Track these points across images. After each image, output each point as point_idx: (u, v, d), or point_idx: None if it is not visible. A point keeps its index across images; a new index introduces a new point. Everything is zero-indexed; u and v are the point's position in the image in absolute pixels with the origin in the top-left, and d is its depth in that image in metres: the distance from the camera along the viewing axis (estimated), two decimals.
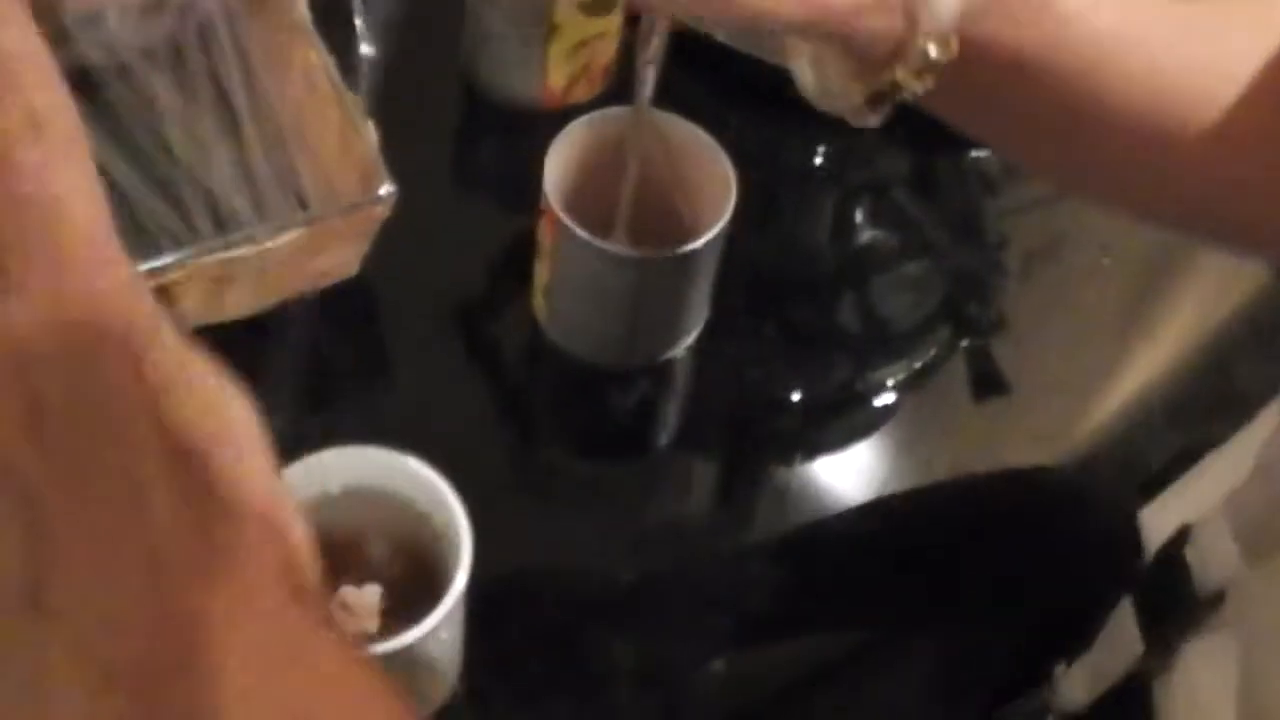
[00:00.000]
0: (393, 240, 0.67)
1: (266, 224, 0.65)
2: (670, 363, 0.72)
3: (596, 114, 0.66)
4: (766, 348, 0.74)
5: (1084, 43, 0.48)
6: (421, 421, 0.66)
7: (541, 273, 0.68)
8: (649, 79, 0.57)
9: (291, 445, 0.52)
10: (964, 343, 0.77)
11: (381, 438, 0.55)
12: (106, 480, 0.29)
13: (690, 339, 0.71)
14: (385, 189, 0.64)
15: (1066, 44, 0.47)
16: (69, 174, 0.32)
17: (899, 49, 0.45)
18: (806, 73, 0.50)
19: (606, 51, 0.76)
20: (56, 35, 0.71)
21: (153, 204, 0.68)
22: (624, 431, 0.72)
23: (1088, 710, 0.57)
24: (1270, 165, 0.50)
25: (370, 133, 0.65)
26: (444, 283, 0.73)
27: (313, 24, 0.68)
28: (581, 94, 0.78)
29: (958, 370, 0.76)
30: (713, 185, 0.65)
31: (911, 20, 0.45)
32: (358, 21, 0.69)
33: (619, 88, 0.77)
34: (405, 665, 0.54)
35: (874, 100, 0.47)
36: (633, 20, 0.63)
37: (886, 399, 0.74)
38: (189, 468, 0.29)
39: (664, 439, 0.73)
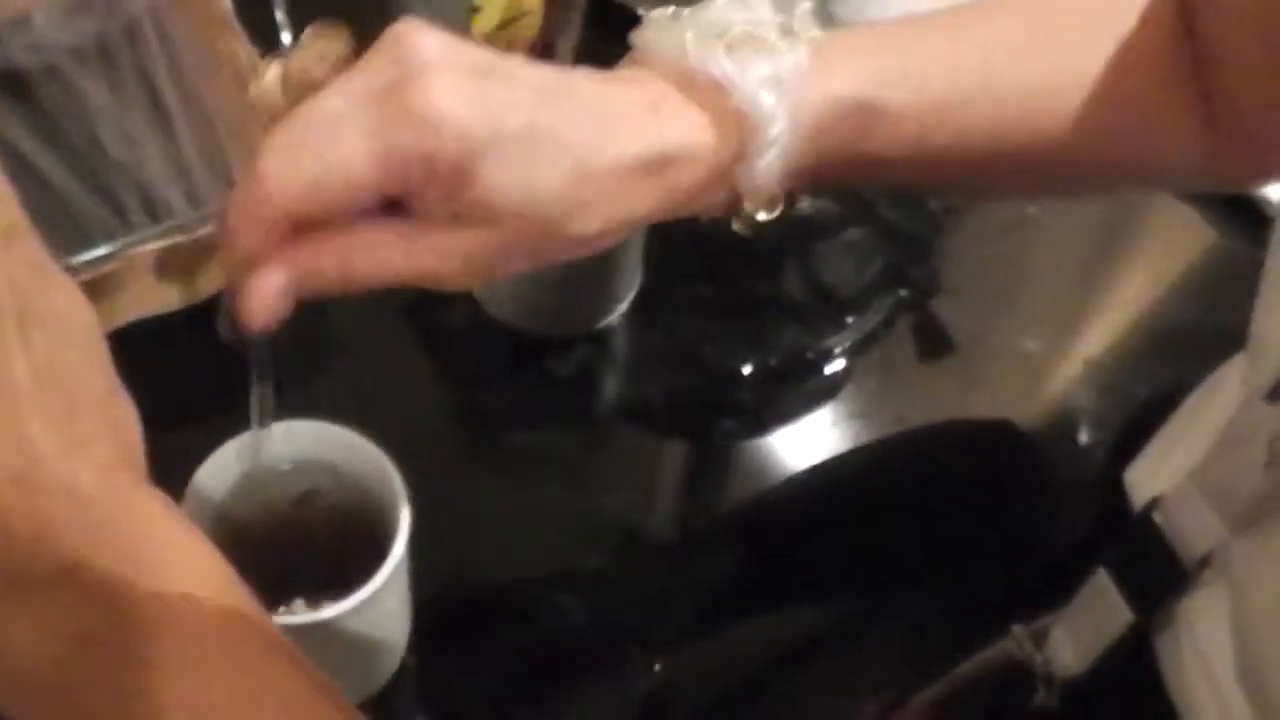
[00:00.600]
0: None
1: (199, 212, 0.66)
2: (608, 330, 0.72)
3: None
4: (704, 314, 0.75)
5: (920, 120, 0.50)
6: (362, 396, 0.66)
7: None
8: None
9: (235, 422, 0.53)
10: (908, 304, 0.77)
11: (322, 413, 0.56)
12: None
13: (625, 305, 0.72)
14: None
15: (902, 136, 0.50)
16: None
17: (729, 211, 0.49)
18: None
19: (530, 28, 0.76)
20: None
21: (86, 200, 0.68)
22: (566, 400, 0.72)
23: (1087, 674, 0.57)
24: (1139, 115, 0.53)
25: None
26: None
27: (235, 16, 0.69)
28: None
29: (905, 333, 0.76)
30: None
31: (735, 196, 0.48)
32: (278, 13, 0.70)
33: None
34: (352, 636, 0.55)
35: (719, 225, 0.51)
36: None
37: (835, 365, 0.74)
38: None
39: (606, 407, 0.73)
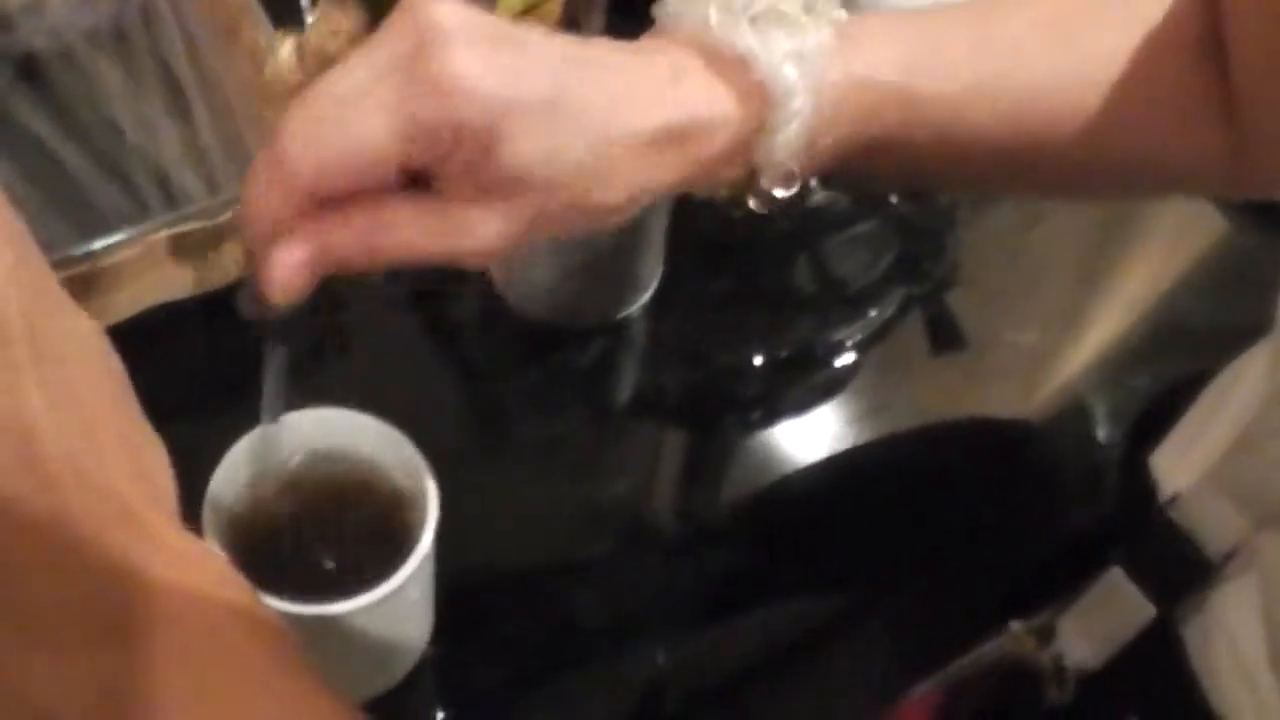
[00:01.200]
0: None
1: (217, 198, 0.65)
2: (626, 321, 0.72)
3: None
4: (718, 307, 0.75)
5: (941, 109, 0.50)
6: (381, 385, 0.66)
7: None
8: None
9: (253, 410, 0.53)
10: (919, 298, 0.77)
11: (341, 401, 0.55)
12: None
13: (646, 297, 0.72)
14: None
15: (924, 121, 0.50)
16: None
17: (747, 186, 0.49)
18: None
19: (552, 15, 0.76)
20: (1, 23, 0.70)
21: (103, 185, 0.68)
22: (583, 391, 0.72)
23: (1105, 668, 0.57)
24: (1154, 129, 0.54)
25: None
26: None
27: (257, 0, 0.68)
28: None
29: (916, 326, 0.76)
30: None
31: (754, 168, 0.48)
32: None
33: None
34: (377, 626, 0.55)
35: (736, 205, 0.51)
36: None
37: (846, 358, 0.74)
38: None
39: (624, 397, 0.73)
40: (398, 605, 0.54)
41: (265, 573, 0.52)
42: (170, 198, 0.68)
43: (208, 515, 0.52)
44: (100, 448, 0.34)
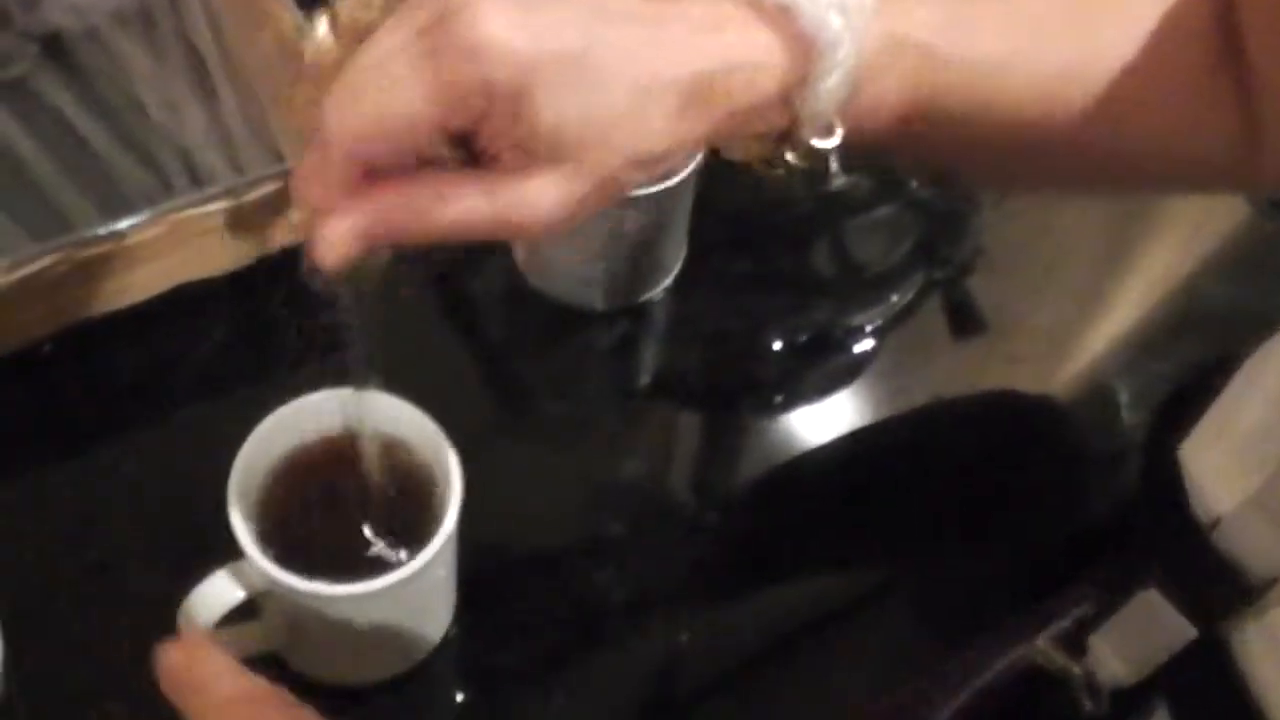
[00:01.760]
0: None
1: (243, 178, 0.65)
2: (649, 304, 0.73)
3: None
4: (744, 290, 0.75)
5: (966, 79, 0.50)
6: (403, 367, 0.66)
7: None
8: None
9: (279, 395, 0.54)
10: (940, 282, 0.77)
11: (363, 381, 0.55)
12: None
13: (669, 279, 0.72)
14: None
15: (952, 88, 0.50)
16: None
17: (786, 138, 0.49)
18: None
19: None
20: (26, 1, 0.71)
21: (128, 165, 0.68)
22: (606, 372, 0.72)
23: (1143, 682, 0.56)
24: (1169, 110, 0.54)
25: None
26: None
27: None
28: None
29: (937, 310, 0.76)
30: None
31: (795, 118, 0.48)
32: None
33: None
34: (403, 605, 0.55)
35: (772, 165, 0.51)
36: None
37: (867, 342, 0.74)
38: None
39: (645, 379, 0.73)
40: (424, 584, 0.54)
41: (290, 549, 0.53)
42: (195, 177, 0.68)
43: (233, 492, 0.52)
44: None
